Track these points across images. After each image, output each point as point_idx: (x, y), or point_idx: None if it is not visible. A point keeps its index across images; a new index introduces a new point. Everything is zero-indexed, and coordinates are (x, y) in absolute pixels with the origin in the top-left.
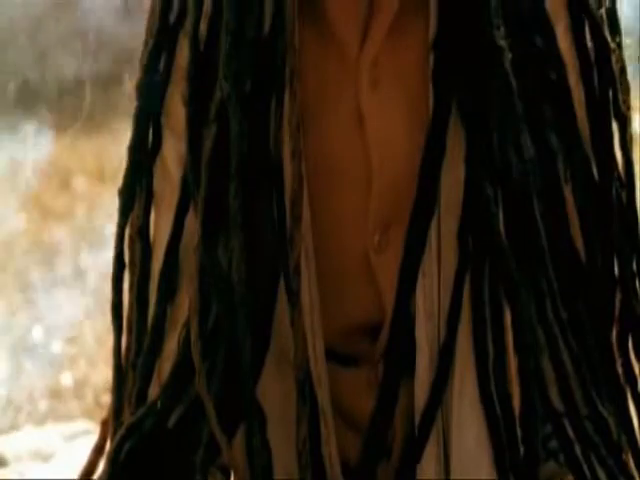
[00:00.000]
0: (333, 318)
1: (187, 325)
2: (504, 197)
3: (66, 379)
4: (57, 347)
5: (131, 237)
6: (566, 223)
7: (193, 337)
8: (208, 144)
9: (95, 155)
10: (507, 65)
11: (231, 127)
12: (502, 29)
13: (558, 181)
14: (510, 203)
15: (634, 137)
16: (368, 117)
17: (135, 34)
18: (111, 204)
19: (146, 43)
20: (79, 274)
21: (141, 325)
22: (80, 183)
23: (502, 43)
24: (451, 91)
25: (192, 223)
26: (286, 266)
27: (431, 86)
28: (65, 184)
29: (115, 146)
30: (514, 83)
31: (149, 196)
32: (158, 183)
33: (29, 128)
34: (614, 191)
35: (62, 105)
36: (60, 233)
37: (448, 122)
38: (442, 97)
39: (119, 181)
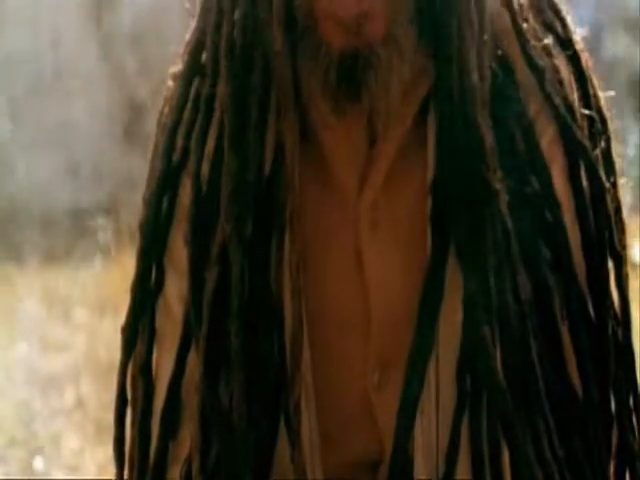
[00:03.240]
0: (333, 454)
1: (189, 461)
2: (502, 338)
3: None
4: (58, 477)
5: (133, 374)
6: (563, 361)
7: (194, 473)
8: (210, 284)
9: (95, 286)
10: (503, 208)
11: (232, 269)
12: (498, 172)
13: (555, 319)
14: (507, 344)
15: (633, 267)
16: (367, 259)
17: (135, 164)
18: (111, 334)
19: (149, 182)
20: (79, 404)
21: (143, 460)
22: (80, 314)
23: (498, 186)
24: (449, 234)
25: (194, 360)
26: (286, 405)
27: (429, 229)
28: (65, 315)
29: (117, 276)
30: (510, 226)
31: (151, 334)
32: (160, 321)
33: (32, 259)
34: (610, 329)
35: (62, 235)
36: (60, 363)
37: (446, 264)
38: (440, 240)
39: (119, 311)
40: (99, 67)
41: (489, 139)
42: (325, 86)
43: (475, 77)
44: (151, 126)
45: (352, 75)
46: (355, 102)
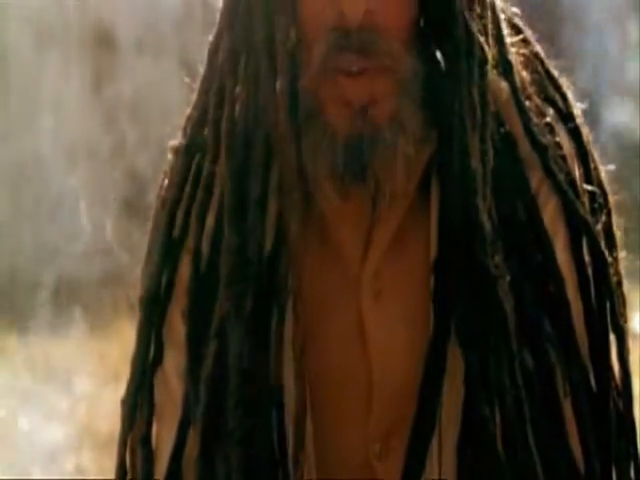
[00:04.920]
0: None
1: None
2: (502, 418)
3: None
4: None
5: (133, 447)
6: (565, 434)
7: None
8: (208, 361)
9: (97, 356)
10: (502, 292)
11: (230, 346)
12: (497, 257)
13: (557, 393)
14: (506, 425)
15: (634, 337)
16: (370, 327)
17: (138, 233)
18: (111, 405)
19: (148, 255)
20: (80, 473)
21: None
22: (81, 384)
23: (496, 272)
24: (450, 313)
25: (195, 434)
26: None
27: (432, 307)
28: (66, 385)
29: (117, 347)
30: (509, 309)
31: (151, 407)
32: (159, 395)
33: (32, 329)
34: (612, 401)
35: (63, 306)
36: (61, 433)
37: (448, 343)
38: (442, 318)
39: (119, 382)
40: (99, 138)
41: (487, 225)
42: (331, 169)
43: (476, 162)
44: (152, 198)
45: (358, 159)
46: (360, 183)
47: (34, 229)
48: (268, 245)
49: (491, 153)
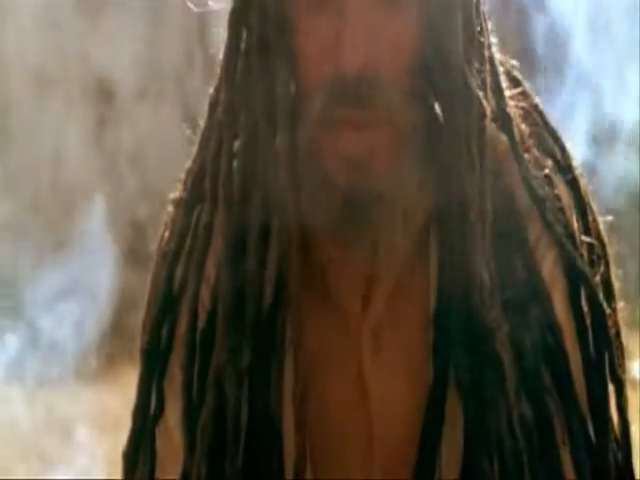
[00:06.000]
0: None
1: None
2: (500, 469)
3: None
4: None
5: None
6: None
7: None
8: (206, 410)
9: (96, 404)
10: (500, 346)
11: (227, 397)
12: (496, 309)
13: (555, 444)
14: (505, 475)
15: (634, 384)
16: (370, 379)
17: (139, 282)
18: (112, 453)
19: (149, 307)
20: None
21: None
22: (80, 433)
23: (494, 325)
24: (449, 365)
25: None
26: None
27: (430, 359)
28: (66, 433)
29: (117, 396)
30: (507, 362)
31: (153, 459)
32: (161, 446)
33: (30, 378)
34: (611, 453)
35: (64, 353)
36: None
37: (447, 394)
38: (441, 370)
39: (119, 430)
40: (100, 186)
41: (486, 278)
42: (330, 223)
43: (474, 215)
44: (152, 248)
45: (356, 214)
46: (359, 234)
47: (34, 277)
48: (267, 298)
49: (490, 206)
